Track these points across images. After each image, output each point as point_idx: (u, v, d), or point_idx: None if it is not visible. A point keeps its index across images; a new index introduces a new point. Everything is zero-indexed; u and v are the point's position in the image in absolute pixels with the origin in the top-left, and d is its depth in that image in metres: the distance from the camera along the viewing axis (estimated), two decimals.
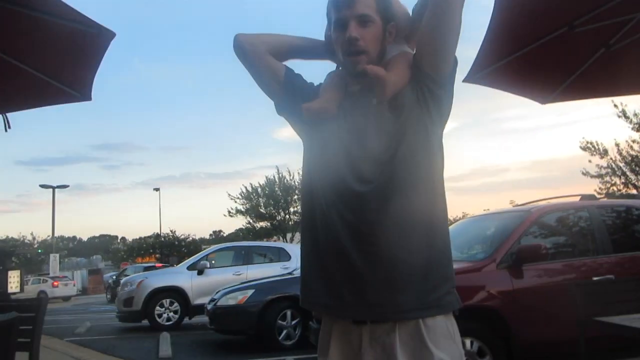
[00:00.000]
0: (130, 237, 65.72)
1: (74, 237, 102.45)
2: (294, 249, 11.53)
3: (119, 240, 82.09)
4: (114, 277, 26.82)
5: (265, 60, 1.56)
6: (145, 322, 10.51)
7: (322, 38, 1.63)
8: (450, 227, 4.54)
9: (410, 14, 1.61)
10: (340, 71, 1.60)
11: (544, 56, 3.23)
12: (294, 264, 10.35)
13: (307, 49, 1.66)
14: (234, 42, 1.56)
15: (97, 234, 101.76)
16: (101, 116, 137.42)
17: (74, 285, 33.10)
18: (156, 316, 10.32)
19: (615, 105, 16.92)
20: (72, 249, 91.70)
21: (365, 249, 1.39)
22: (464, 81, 3.19)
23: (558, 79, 3.51)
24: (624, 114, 17.03)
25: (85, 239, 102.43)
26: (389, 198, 1.40)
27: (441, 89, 1.47)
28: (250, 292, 7.53)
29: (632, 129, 17.19)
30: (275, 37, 1.61)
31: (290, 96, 1.57)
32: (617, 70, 3.40)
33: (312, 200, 1.50)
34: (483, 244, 5.19)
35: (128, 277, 13.48)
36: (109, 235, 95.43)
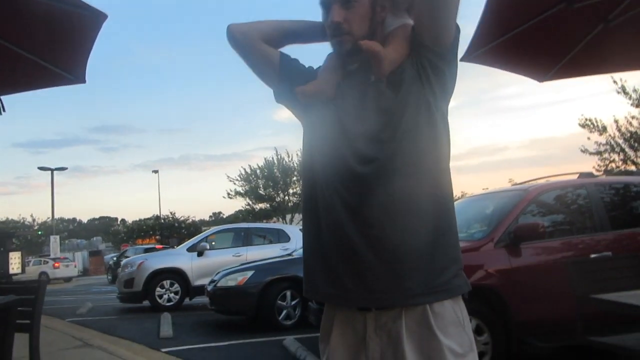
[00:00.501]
0: (130, 219, 65.86)
1: (74, 219, 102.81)
2: (293, 230, 11.57)
3: (118, 222, 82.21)
4: (115, 259, 26.97)
5: (259, 49, 1.52)
6: (146, 303, 10.61)
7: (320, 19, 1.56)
8: None
9: None
10: None
11: (541, 33, 3.19)
12: (294, 245, 10.41)
13: (304, 33, 1.60)
14: (226, 33, 1.52)
15: (96, 216, 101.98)
16: (99, 98, 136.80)
17: (75, 267, 33.32)
18: (157, 297, 10.41)
19: (615, 82, 16.78)
20: (72, 231, 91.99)
21: (367, 232, 1.33)
22: (461, 60, 3.15)
23: (556, 56, 3.47)
24: (624, 90, 16.90)
25: (85, 220, 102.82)
26: (391, 178, 1.33)
27: (443, 60, 1.39)
28: (249, 273, 7.58)
29: (632, 105, 17.08)
30: (269, 24, 1.56)
31: (287, 83, 1.53)
32: (616, 46, 3.35)
33: (313, 184, 1.45)
34: (481, 223, 5.19)
35: (129, 258, 13.54)
36: (109, 217, 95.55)
